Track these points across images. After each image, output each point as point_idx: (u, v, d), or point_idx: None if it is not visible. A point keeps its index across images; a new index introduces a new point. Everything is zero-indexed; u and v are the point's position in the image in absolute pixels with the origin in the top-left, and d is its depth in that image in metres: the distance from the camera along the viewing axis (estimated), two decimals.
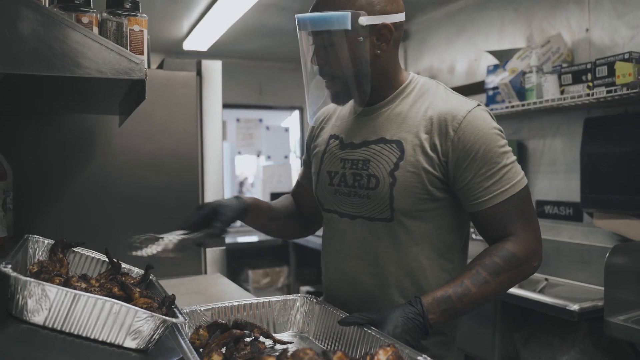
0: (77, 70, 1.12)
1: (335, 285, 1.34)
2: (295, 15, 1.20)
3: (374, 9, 1.16)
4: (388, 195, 1.19)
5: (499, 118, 2.81)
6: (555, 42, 2.48)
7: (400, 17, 1.21)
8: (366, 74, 1.19)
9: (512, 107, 2.50)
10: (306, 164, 1.49)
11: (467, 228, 1.29)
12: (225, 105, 2.33)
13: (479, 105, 1.19)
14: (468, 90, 3.12)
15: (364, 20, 1.15)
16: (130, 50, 1.31)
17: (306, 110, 1.33)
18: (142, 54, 1.32)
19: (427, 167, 1.17)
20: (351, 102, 1.31)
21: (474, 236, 2.33)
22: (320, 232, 1.46)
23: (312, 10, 1.21)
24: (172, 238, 1.23)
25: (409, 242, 1.22)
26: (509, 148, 1.18)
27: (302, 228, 1.57)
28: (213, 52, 4.36)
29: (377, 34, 1.18)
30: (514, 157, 1.18)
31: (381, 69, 1.22)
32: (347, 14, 1.13)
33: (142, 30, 1.33)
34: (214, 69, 2.20)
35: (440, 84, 1.28)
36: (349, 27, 1.14)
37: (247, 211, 1.36)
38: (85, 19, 1.25)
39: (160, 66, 2.18)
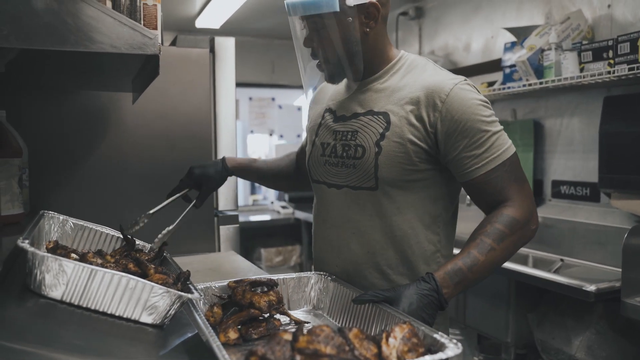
0: (90, 45, 1.11)
1: (323, 255, 1.39)
2: (285, 1, 1.26)
3: None
4: (373, 164, 1.23)
5: (516, 96, 2.78)
6: (575, 19, 2.42)
7: None
8: (357, 52, 1.25)
9: (530, 85, 2.46)
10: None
11: (454, 201, 1.32)
12: (238, 84, 2.31)
13: (465, 79, 1.23)
14: (484, 68, 3.07)
15: (351, 0, 1.20)
16: (144, 25, 1.29)
17: (304, 89, 1.40)
18: (155, 29, 1.30)
19: (412, 138, 1.21)
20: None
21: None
22: None
23: None
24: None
25: (393, 211, 1.25)
26: (495, 118, 1.22)
27: (290, 186, 1.77)
28: (225, 30, 4.33)
29: (364, 12, 1.23)
30: (501, 127, 1.22)
31: (371, 46, 1.28)
32: None
33: (155, 5, 1.31)
34: (227, 47, 2.18)
35: (430, 60, 1.32)
36: (337, 9, 1.19)
37: (231, 175, 1.63)
38: None
39: (173, 43, 2.17)
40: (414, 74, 1.27)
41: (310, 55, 1.31)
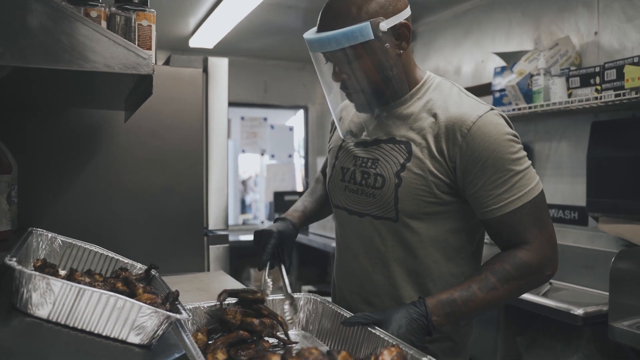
0: (84, 64, 1.11)
1: (345, 284, 1.34)
2: (306, 37, 1.17)
3: (387, 11, 1.13)
4: (393, 196, 1.18)
5: None
6: (564, 45, 2.47)
7: (408, 11, 1.19)
8: (393, 76, 1.18)
9: (519, 109, 2.49)
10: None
11: (478, 233, 1.25)
12: (230, 104, 2.32)
13: (492, 109, 1.15)
14: (474, 91, 3.08)
15: (384, 25, 1.12)
16: (138, 45, 1.31)
17: (333, 119, 1.35)
18: (150, 49, 1.32)
19: (433, 171, 1.15)
20: None
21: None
22: (322, 231, 1.48)
23: (322, 28, 1.17)
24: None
25: (416, 243, 1.20)
26: (523, 153, 1.14)
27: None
28: (219, 50, 4.36)
29: (396, 34, 1.16)
30: (529, 163, 1.14)
31: (404, 68, 1.21)
32: (367, 24, 1.10)
33: (150, 26, 1.33)
34: (220, 66, 2.19)
35: (456, 85, 1.25)
36: (372, 37, 1.11)
37: (300, 229, 1.48)
38: (93, 13, 1.25)
39: (167, 63, 2.18)
40: (437, 99, 1.20)
41: (340, 89, 1.23)
